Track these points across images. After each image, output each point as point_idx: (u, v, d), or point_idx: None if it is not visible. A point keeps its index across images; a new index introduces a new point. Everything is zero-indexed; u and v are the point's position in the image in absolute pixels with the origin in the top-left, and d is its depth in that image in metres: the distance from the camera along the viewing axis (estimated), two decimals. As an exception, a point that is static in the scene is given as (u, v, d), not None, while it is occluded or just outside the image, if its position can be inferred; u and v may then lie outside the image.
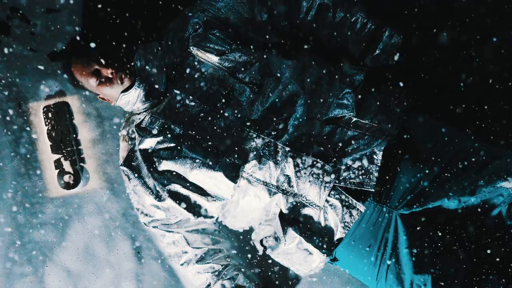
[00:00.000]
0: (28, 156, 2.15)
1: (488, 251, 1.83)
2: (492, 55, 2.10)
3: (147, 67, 1.74)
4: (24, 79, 2.12)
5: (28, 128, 2.12)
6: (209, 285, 1.93)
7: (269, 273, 2.14)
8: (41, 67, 2.11)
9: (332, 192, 1.66)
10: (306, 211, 1.71)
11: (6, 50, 2.12)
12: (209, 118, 1.72)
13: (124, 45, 1.79)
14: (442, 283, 1.70)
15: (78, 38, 1.81)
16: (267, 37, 1.88)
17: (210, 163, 1.70)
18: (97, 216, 2.17)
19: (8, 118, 2.09)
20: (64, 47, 2.10)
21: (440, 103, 2.04)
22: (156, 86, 1.76)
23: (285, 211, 1.71)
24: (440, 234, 1.78)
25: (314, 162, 1.66)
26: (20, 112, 2.10)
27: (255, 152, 1.68)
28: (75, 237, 2.15)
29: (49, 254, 2.13)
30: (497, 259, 1.81)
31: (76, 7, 2.14)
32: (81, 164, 2.13)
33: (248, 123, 1.70)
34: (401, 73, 1.92)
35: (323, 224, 1.71)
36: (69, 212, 2.15)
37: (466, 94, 2.08)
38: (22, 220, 2.11)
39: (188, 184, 1.74)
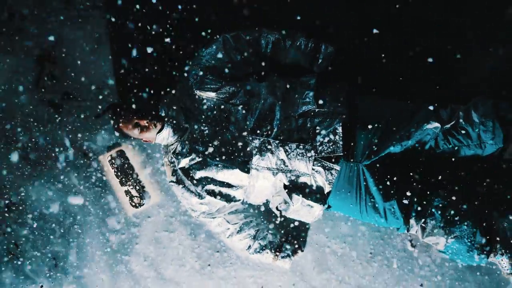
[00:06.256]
0: (105, 191, 2.34)
1: (430, 175, 1.98)
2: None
3: (169, 112, 1.93)
4: (82, 141, 2.32)
5: (100, 173, 2.34)
6: (250, 246, 2.09)
7: (287, 227, 2.29)
8: (92, 130, 2.33)
9: (315, 162, 1.86)
10: (301, 179, 1.90)
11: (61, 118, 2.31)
12: (220, 135, 1.89)
13: (151, 102, 1.97)
14: (405, 203, 1.89)
15: (117, 103, 2.02)
16: (244, 70, 2.06)
17: (228, 165, 1.87)
18: (159, 216, 2.33)
19: (82, 168, 2.33)
20: (104, 109, 2.28)
21: (373, 84, 2.20)
22: (179, 123, 1.94)
23: (287, 183, 1.92)
24: (395, 170, 1.93)
25: (297, 146, 1.85)
26: (88, 163, 2.32)
27: (256, 150, 1.87)
28: (146, 232, 2.32)
29: (129, 248, 2.31)
30: (439, 178, 1.99)
31: (108, 80, 2.35)
32: (143, 188, 2.31)
33: (246, 132, 1.88)
34: (339, 71, 2.11)
35: (314, 185, 1.91)
36: (140, 219, 2.33)
37: (392, 72, 2.24)
38: (107, 233, 2.32)
39: (217, 183, 1.91)
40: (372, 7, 2.25)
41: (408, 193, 1.91)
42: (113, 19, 2.31)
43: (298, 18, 2.20)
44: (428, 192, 1.92)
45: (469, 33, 2.21)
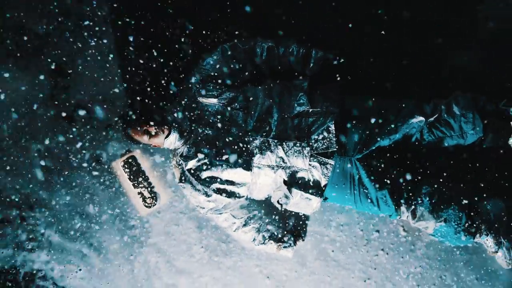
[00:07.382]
0: (120, 193, 2.41)
1: (417, 164, 2.10)
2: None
3: (175, 119, 2.00)
4: (96, 149, 2.40)
5: (114, 178, 2.41)
6: (254, 238, 2.17)
7: (288, 220, 2.33)
8: (104, 139, 2.40)
9: (311, 158, 1.93)
10: (299, 174, 1.97)
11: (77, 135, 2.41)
12: (223, 137, 1.96)
13: (158, 110, 2.03)
14: (395, 192, 1.98)
15: (127, 113, 2.01)
16: (242, 76, 2.13)
17: (231, 164, 1.93)
18: (169, 213, 2.39)
19: (97, 173, 2.42)
20: (115, 120, 2.38)
21: (361, 84, 2.27)
22: (185, 128, 2.00)
23: (286, 179, 1.98)
24: (385, 162, 2.00)
25: (294, 144, 1.92)
26: (101, 168, 2.40)
27: (257, 149, 1.93)
28: (157, 228, 2.39)
29: (144, 243, 2.39)
30: (426, 167, 2.08)
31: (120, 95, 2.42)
32: (154, 189, 2.37)
33: (247, 133, 1.95)
34: (331, 73, 2.16)
35: (312, 179, 1.98)
36: (152, 217, 2.40)
37: (391, 73, 2.29)
38: (121, 228, 2.41)
39: (223, 181, 1.97)
40: (372, 8, 2.27)
41: (398, 182, 1.98)
42: (120, 33, 2.37)
43: (299, 19, 2.23)
44: (417, 180, 2.00)
45: (469, 33, 2.22)
